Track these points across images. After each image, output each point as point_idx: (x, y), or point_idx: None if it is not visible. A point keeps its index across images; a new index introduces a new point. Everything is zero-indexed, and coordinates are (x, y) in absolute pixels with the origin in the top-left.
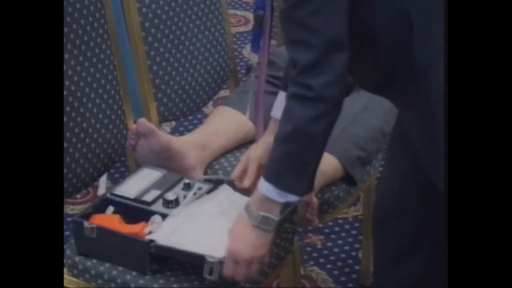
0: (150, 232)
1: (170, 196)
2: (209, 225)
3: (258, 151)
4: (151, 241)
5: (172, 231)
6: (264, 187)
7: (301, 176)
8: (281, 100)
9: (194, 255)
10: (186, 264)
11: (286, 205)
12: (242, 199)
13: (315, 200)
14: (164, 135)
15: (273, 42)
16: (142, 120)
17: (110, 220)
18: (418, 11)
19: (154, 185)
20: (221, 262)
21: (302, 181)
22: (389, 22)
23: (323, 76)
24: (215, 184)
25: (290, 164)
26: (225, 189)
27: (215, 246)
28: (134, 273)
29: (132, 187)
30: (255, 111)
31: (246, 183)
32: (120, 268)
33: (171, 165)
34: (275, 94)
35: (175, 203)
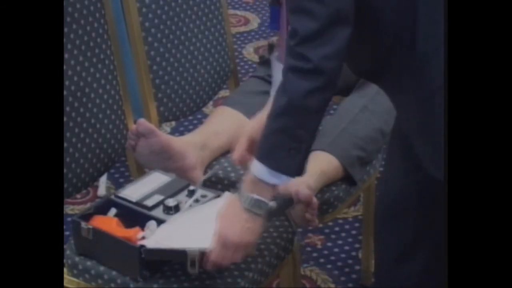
0: (143, 238)
1: (171, 202)
2: (201, 225)
3: (252, 125)
4: (142, 246)
5: (163, 237)
6: (256, 168)
7: (293, 154)
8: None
9: (177, 252)
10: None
11: (282, 196)
12: None
13: (315, 200)
14: (164, 135)
15: None
16: (142, 120)
17: (108, 222)
18: None
19: (159, 190)
20: (202, 253)
21: (294, 160)
22: (394, 5)
23: (323, 48)
24: (217, 183)
25: (283, 141)
26: (228, 196)
27: (198, 239)
28: None
29: (136, 190)
30: None
31: (234, 155)
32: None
33: (171, 165)
34: None
35: (175, 209)
